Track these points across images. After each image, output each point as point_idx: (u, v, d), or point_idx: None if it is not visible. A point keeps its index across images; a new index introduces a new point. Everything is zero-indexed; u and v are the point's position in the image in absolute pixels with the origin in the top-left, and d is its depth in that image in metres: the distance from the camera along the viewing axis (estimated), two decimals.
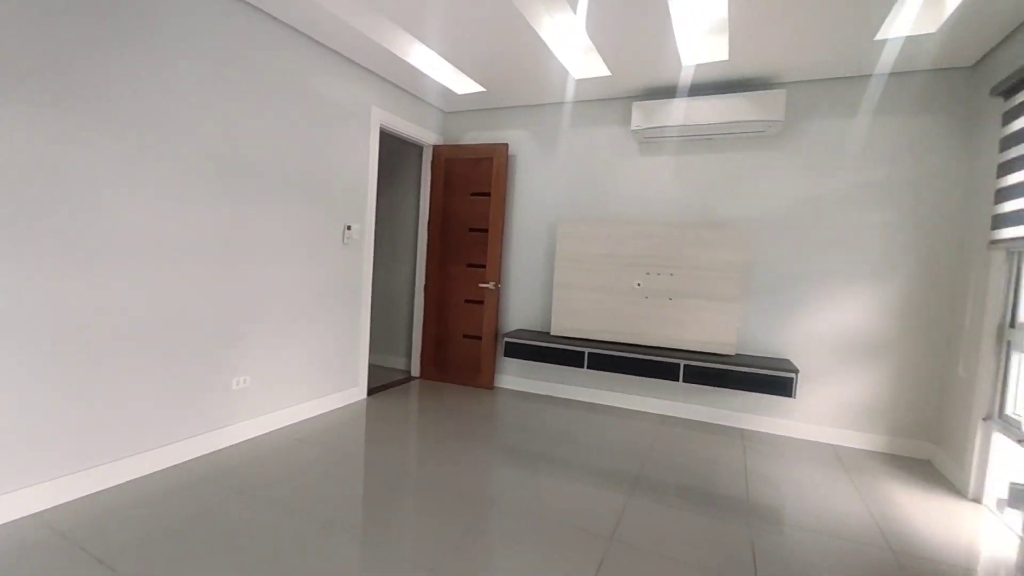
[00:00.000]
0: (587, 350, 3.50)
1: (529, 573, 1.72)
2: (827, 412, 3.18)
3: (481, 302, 4.08)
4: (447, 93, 3.84)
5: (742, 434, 3.26)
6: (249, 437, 2.80)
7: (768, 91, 3.07)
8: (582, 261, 3.66)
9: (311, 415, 3.20)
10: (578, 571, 1.74)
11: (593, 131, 3.80)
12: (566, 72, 3.27)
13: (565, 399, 3.88)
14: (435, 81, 3.58)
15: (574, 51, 3.04)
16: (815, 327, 3.21)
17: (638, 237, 3.50)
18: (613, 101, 3.71)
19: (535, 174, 4.00)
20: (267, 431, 2.90)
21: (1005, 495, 2.34)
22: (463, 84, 3.66)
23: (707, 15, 2.56)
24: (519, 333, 3.86)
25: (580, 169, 3.84)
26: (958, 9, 2.26)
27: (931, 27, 2.46)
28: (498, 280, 4.00)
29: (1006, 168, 2.39)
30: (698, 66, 3.06)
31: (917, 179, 2.97)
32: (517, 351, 3.72)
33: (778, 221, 3.28)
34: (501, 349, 4.14)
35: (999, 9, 2.25)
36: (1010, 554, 2.01)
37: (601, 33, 2.72)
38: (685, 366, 3.22)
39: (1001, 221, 2.40)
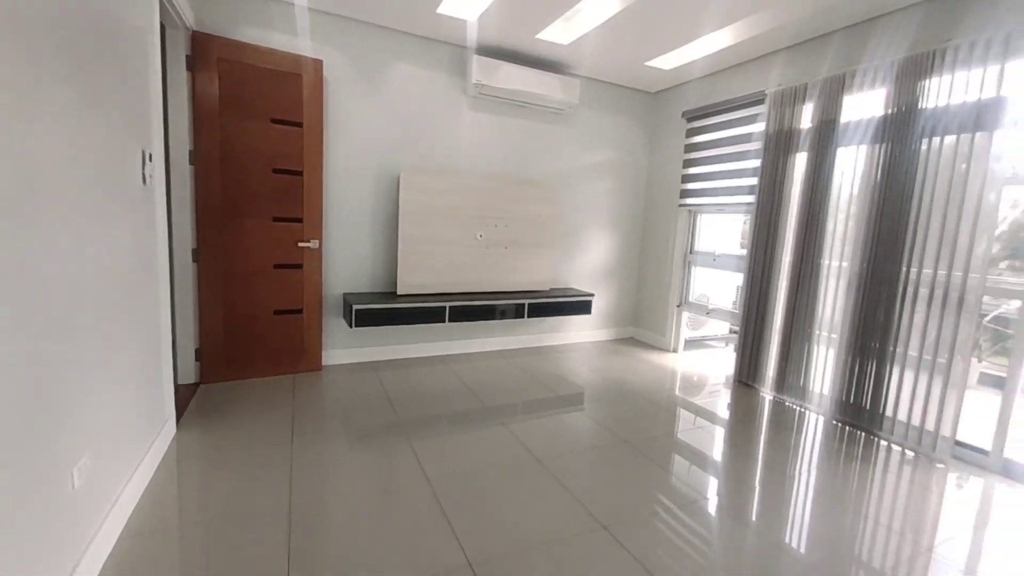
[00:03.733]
0: (448, 304, 3.50)
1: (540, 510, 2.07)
2: (594, 320, 4.58)
3: (299, 266, 3.16)
4: None
5: (555, 349, 4.25)
6: (102, 562, 1.45)
7: (572, 78, 3.85)
8: (427, 214, 3.49)
9: (137, 492, 1.86)
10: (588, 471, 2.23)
11: (425, 74, 3.51)
12: None
13: (411, 359, 3.71)
14: None
15: None
16: (586, 261, 4.47)
17: (478, 191, 3.67)
18: (450, 47, 3.54)
19: (357, 108, 3.32)
20: (110, 546, 1.56)
21: (682, 345, 4.36)
22: None
23: (591, 6, 2.99)
24: (358, 297, 3.31)
25: (411, 113, 3.50)
26: (679, 66, 3.70)
27: (667, 66, 3.85)
28: (320, 237, 3.20)
29: (687, 164, 4.17)
30: (543, 41, 3.44)
31: (626, 159, 4.55)
32: (369, 318, 3.23)
33: (568, 182, 4.24)
34: (330, 320, 3.41)
35: (676, 71, 3.83)
36: (700, 365, 3.89)
37: None
38: (529, 304, 3.82)
39: (685, 194, 4.20)
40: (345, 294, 3.42)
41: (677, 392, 3.35)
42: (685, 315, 4.37)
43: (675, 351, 4.37)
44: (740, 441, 2.63)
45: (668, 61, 3.72)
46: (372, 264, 3.53)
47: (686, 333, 4.52)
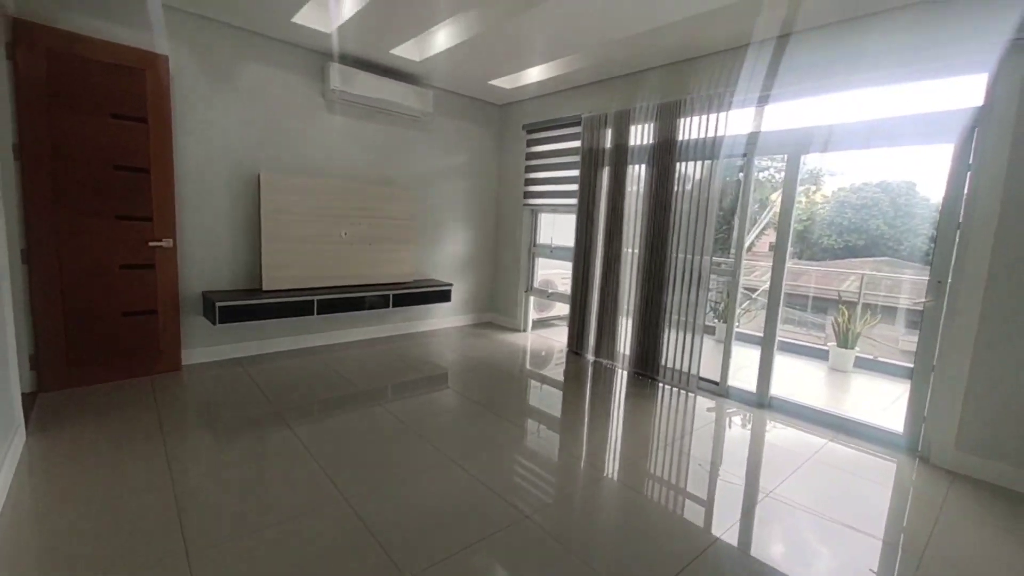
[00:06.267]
0: (316, 298, 3.72)
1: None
2: (455, 307, 5.12)
3: (151, 266, 3.12)
4: None
5: (421, 336, 4.69)
6: None
7: (426, 89, 4.29)
8: (290, 214, 3.65)
9: (1, 494, 1.89)
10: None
11: (283, 76, 3.63)
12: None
13: (281, 352, 3.84)
14: None
15: None
16: (445, 254, 4.98)
17: (342, 191, 3.93)
18: (309, 52, 3.70)
19: (211, 106, 3.34)
20: None
21: (531, 325, 5.15)
22: None
23: (439, 28, 3.45)
24: (220, 295, 3.37)
25: (270, 113, 3.61)
26: (519, 87, 4.39)
27: (508, 86, 4.50)
28: (174, 235, 3.19)
29: (528, 169, 4.91)
30: (397, 56, 3.81)
31: (478, 163, 5.15)
32: (234, 314, 3.32)
33: (426, 183, 4.68)
34: (190, 319, 3.40)
35: (516, 90, 4.56)
36: (545, 340, 4.71)
37: None
38: (393, 295, 4.21)
39: (527, 196, 4.95)
40: (205, 292, 3.44)
41: (523, 364, 4.06)
42: (531, 299, 5.15)
43: (525, 331, 5.13)
44: (569, 395, 3.41)
45: (507, 82, 4.37)
46: (233, 262, 3.58)
47: (534, 315, 5.31)
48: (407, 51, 3.74)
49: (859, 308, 4.92)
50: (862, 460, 2.59)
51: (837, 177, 8.20)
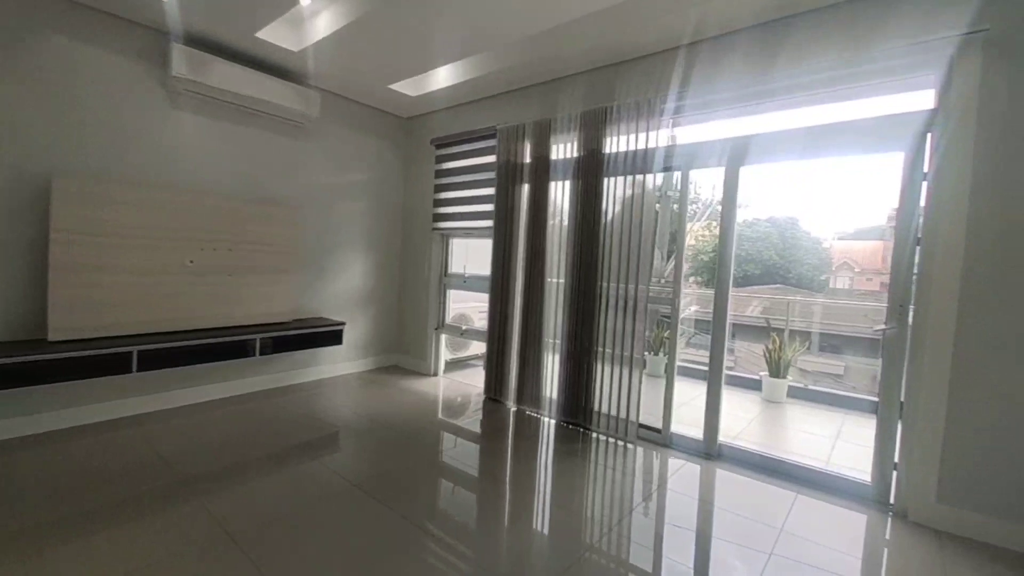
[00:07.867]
0: (137, 348, 2.71)
1: None
2: (352, 351, 4.24)
3: None
4: None
5: (304, 387, 3.75)
6: None
7: (311, 89, 3.55)
8: (102, 235, 2.67)
9: None
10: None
11: (98, 54, 2.72)
12: None
13: (76, 428, 2.73)
14: None
15: None
16: (338, 288, 4.13)
17: (190, 208, 3.01)
18: (138, 27, 2.83)
19: None
20: None
21: (443, 368, 4.41)
22: None
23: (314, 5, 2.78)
24: None
25: (70, 102, 2.66)
26: (423, 93, 3.82)
27: (412, 92, 3.90)
28: None
29: (438, 189, 4.28)
30: (267, 42, 3.05)
31: (380, 181, 4.45)
32: None
33: (316, 202, 3.87)
34: None
35: (422, 99, 3.99)
36: (459, 386, 3.98)
37: None
38: (261, 339, 3.28)
39: (437, 219, 4.30)
40: None
41: (430, 417, 3.29)
42: (444, 338, 4.42)
43: (435, 375, 4.36)
44: (487, 462, 2.70)
45: (411, 87, 3.77)
46: (3, 302, 2.51)
47: (447, 355, 4.58)
48: (279, 36, 3.01)
49: (787, 334, 4.78)
50: (837, 518, 2.14)
51: (740, 210, 8.60)
